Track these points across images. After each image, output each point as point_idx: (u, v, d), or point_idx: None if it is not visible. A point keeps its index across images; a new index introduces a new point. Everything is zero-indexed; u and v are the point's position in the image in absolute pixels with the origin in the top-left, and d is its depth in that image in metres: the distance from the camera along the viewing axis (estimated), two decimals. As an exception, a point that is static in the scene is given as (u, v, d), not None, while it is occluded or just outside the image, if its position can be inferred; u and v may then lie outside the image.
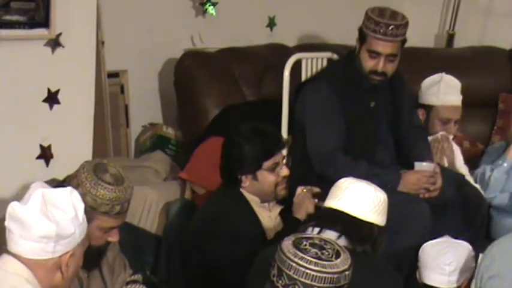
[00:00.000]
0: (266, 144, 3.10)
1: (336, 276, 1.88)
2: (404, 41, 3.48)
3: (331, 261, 1.91)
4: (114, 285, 2.70)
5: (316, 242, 1.96)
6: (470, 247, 2.87)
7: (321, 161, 3.43)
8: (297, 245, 1.93)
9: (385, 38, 3.40)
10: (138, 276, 2.82)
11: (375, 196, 2.46)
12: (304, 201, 3.01)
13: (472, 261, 2.87)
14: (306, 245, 1.94)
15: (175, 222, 3.64)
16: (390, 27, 3.39)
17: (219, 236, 2.96)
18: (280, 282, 1.90)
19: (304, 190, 3.05)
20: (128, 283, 2.77)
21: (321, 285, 1.87)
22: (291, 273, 1.88)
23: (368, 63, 3.47)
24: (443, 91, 3.92)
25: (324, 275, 1.87)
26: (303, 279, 1.87)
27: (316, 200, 3.06)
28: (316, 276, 1.87)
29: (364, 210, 2.44)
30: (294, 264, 1.88)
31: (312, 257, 1.89)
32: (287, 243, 1.94)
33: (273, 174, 3.09)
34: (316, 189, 3.11)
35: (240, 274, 2.79)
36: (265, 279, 1.96)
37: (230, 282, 2.89)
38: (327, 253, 1.92)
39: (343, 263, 1.92)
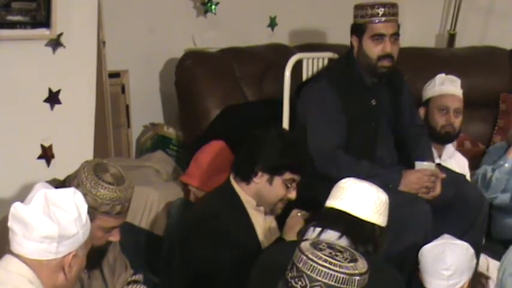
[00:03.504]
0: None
1: (363, 278, 1.87)
2: (399, 25, 3.57)
3: (360, 261, 1.90)
4: (115, 285, 2.70)
5: (336, 247, 1.94)
6: (468, 246, 2.87)
7: (322, 160, 3.43)
8: (315, 246, 1.91)
9: (386, 18, 3.50)
10: (139, 277, 2.81)
11: (376, 196, 2.46)
12: (296, 225, 2.91)
13: (472, 260, 2.87)
14: (324, 245, 1.93)
15: (176, 222, 3.64)
16: (387, 7, 3.51)
17: (208, 237, 2.88)
18: (299, 283, 1.87)
19: (299, 214, 3.01)
20: (128, 283, 2.77)
21: (345, 287, 1.85)
22: (313, 274, 1.85)
23: (375, 49, 3.51)
24: (438, 82, 3.97)
25: (353, 277, 1.86)
26: (326, 281, 1.84)
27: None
28: (340, 277, 1.85)
29: (366, 211, 2.44)
30: (317, 266, 1.85)
31: (336, 259, 1.88)
32: (306, 245, 1.91)
33: (284, 188, 3.04)
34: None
35: (231, 278, 2.76)
36: (280, 281, 1.93)
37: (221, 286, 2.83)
38: (349, 257, 1.91)
39: (365, 266, 1.91)
